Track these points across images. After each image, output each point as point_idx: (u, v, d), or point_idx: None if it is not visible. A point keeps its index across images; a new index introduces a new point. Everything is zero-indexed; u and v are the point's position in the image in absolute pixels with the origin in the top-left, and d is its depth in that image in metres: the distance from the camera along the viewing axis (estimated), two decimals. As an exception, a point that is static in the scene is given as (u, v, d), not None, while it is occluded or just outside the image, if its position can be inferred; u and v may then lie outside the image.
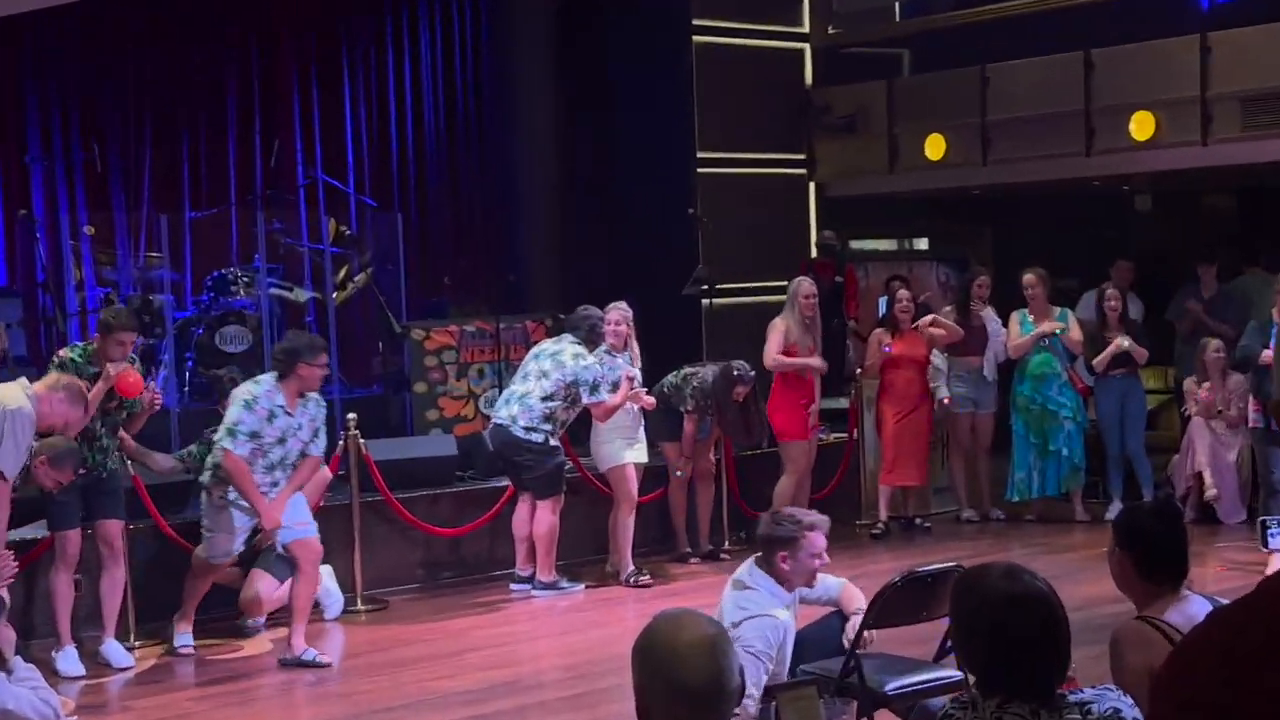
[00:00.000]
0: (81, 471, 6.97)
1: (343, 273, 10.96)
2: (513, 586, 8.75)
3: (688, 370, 9.34)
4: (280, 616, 7.78)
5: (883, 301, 11.27)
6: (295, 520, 7.28)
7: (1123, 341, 10.05)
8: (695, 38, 12.05)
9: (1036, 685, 2.73)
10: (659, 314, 10.43)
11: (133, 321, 7.32)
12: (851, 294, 12.11)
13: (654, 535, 9.62)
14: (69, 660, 7.11)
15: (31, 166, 10.31)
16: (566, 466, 8.84)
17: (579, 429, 8.99)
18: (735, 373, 9.05)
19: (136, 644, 7.56)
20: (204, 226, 10.80)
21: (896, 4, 13.12)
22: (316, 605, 7.85)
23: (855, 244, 13.49)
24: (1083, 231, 12.89)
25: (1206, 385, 10.01)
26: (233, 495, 7.26)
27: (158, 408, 7.64)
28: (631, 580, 8.76)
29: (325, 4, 11.59)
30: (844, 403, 10.62)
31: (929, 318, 10.21)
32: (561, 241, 11.84)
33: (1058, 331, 10.20)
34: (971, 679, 2.88)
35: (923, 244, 14.34)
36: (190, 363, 9.95)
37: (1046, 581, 2.81)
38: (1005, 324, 10.40)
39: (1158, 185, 12.58)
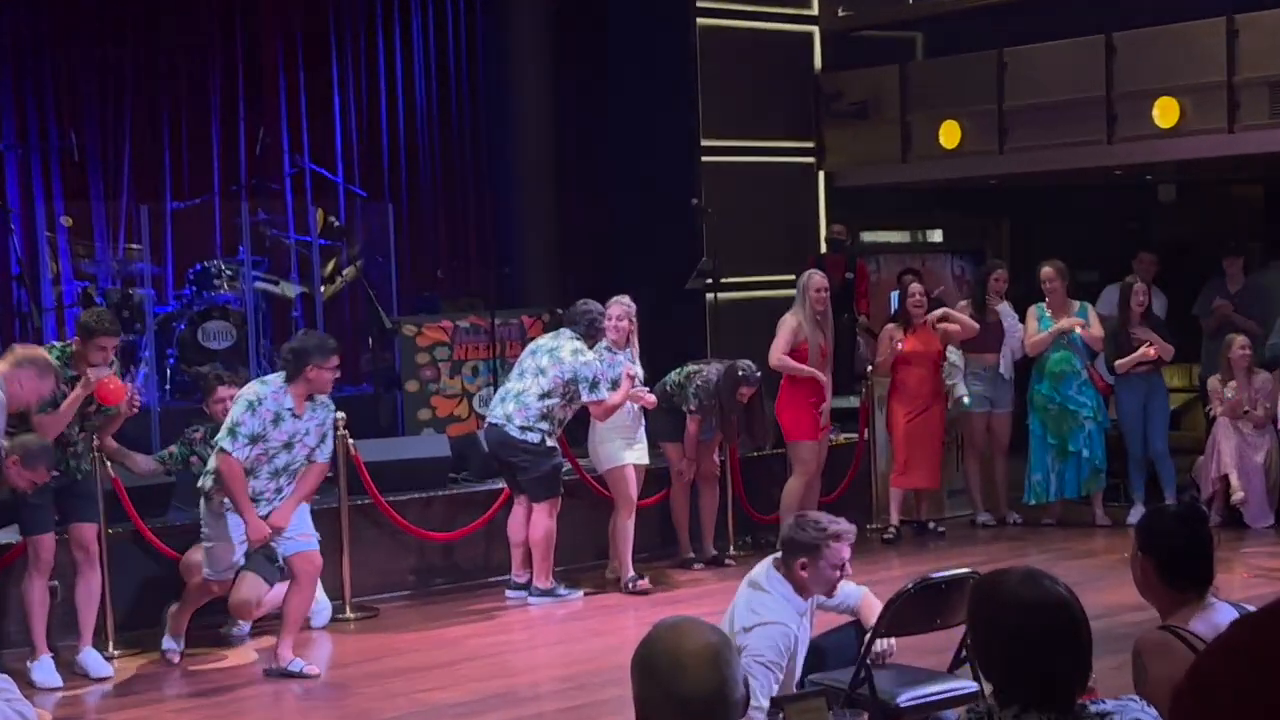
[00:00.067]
0: (55, 473, 6.96)
1: (331, 266, 10.95)
2: (508, 593, 8.75)
3: (691, 368, 9.33)
4: (264, 625, 7.77)
5: (894, 296, 11.26)
6: (298, 531, 7.23)
7: (1150, 350, 10.04)
8: (699, 20, 12.05)
9: (1056, 695, 2.73)
10: (661, 309, 10.43)
11: (115, 326, 7.28)
12: (862, 289, 12.11)
13: (656, 540, 9.61)
14: (45, 670, 7.11)
15: (5, 155, 10.30)
16: (564, 468, 8.83)
17: (576, 428, 8.98)
18: (740, 373, 9.04)
19: (116, 653, 7.56)
20: (186, 217, 10.79)
21: (909, -15, 13.13)
22: (303, 613, 7.84)
23: (866, 236, 13.49)
24: (1104, 223, 12.89)
25: (1232, 384, 10.00)
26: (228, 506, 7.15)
27: (135, 411, 7.60)
28: (629, 586, 8.76)
29: (312, -15, 11.59)
30: (854, 402, 10.61)
31: (939, 311, 10.20)
32: (559, 233, 11.83)
33: (1077, 329, 10.19)
34: (988, 689, 2.87)
35: (937, 236, 14.33)
36: (172, 360, 9.95)
37: (1067, 586, 2.81)
38: (1023, 319, 10.39)
39: (1182, 174, 12.58)
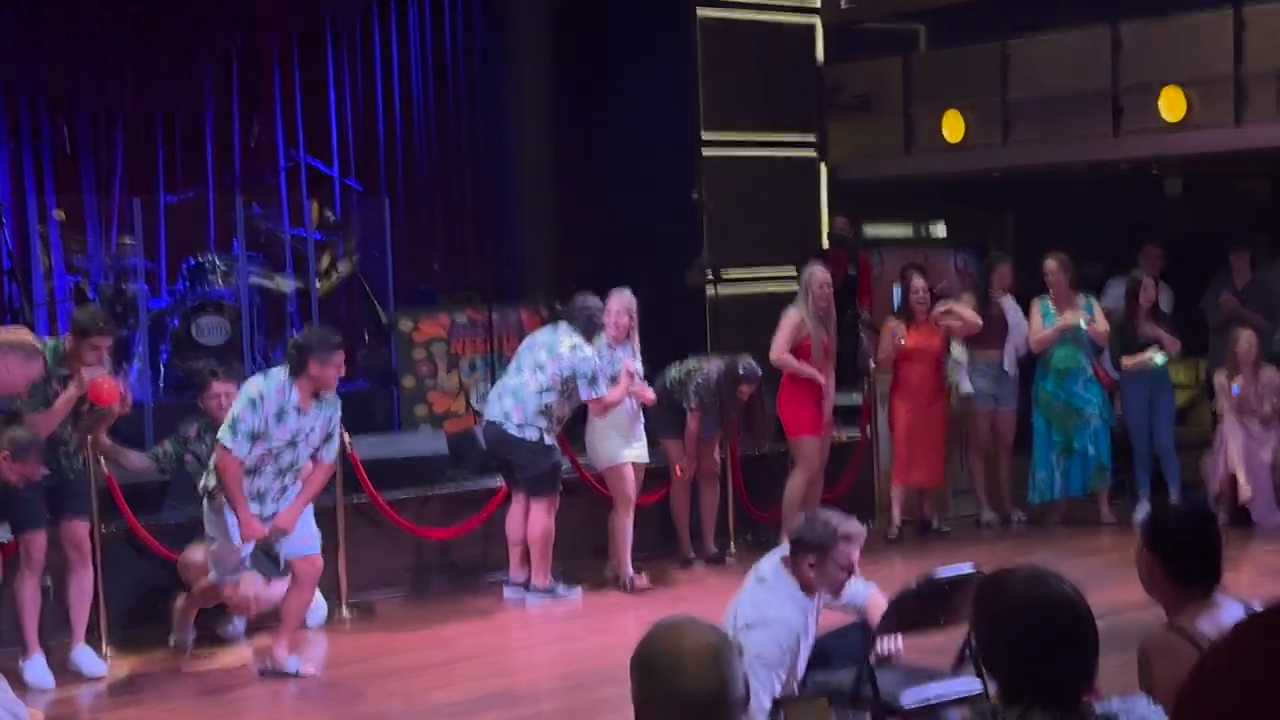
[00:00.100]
0: (46, 473, 6.95)
1: (326, 260, 10.95)
2: (506, 592, 8.75)
3: (691, 364, 9.33)
4: (259, 624, 7.77)
5: (897, 291, 11.26)
6: (301, 534, 7.20)
7: (1157, 359, 10.03)
8: (700, 11, 12.03)
9: (1061, 695, 2.73)
10: (660, 304, 10.41)
11: (110, 326, 7.27)
12: (865, 284, 12.11)
13: (656, 538, 9.61)
14: (37, 669, 7.11)
15: (-3, 147, 10.30)
16: (563, 465, 8.83)
17: (574, 425, 8.97)
18: (740, 371, 9.04)
19: (109, 652, 7.55)
20: (180, 211, 10.77)
21: (913, -24, 13.12)
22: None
23: (869, 230, 13.48)
24: (1109, 217, 12.87)
25: (1238, 379, 10.00)
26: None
27: (127, 410, 7.57)
28: (628, 584, 8.76)
29: (308, -25, 11.58)
30: (857, 398, 10.61)
31: (943, 306, 10.20)
32: (557, 226, 11.83)
33: (1082, 324, 10.18)
34: (992, 689, 2.87)
35: (940, 230, 14.33)
36: (165, 355, 9.95)
37: (1073, 585, 2.81)
38: (1027, 314, 10.38)
39: (1189, 168, 12.56)
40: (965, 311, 10.22)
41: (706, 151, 11.99)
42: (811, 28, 12.69)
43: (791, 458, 9.71)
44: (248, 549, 7.19)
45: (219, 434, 7.10)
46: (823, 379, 9.46)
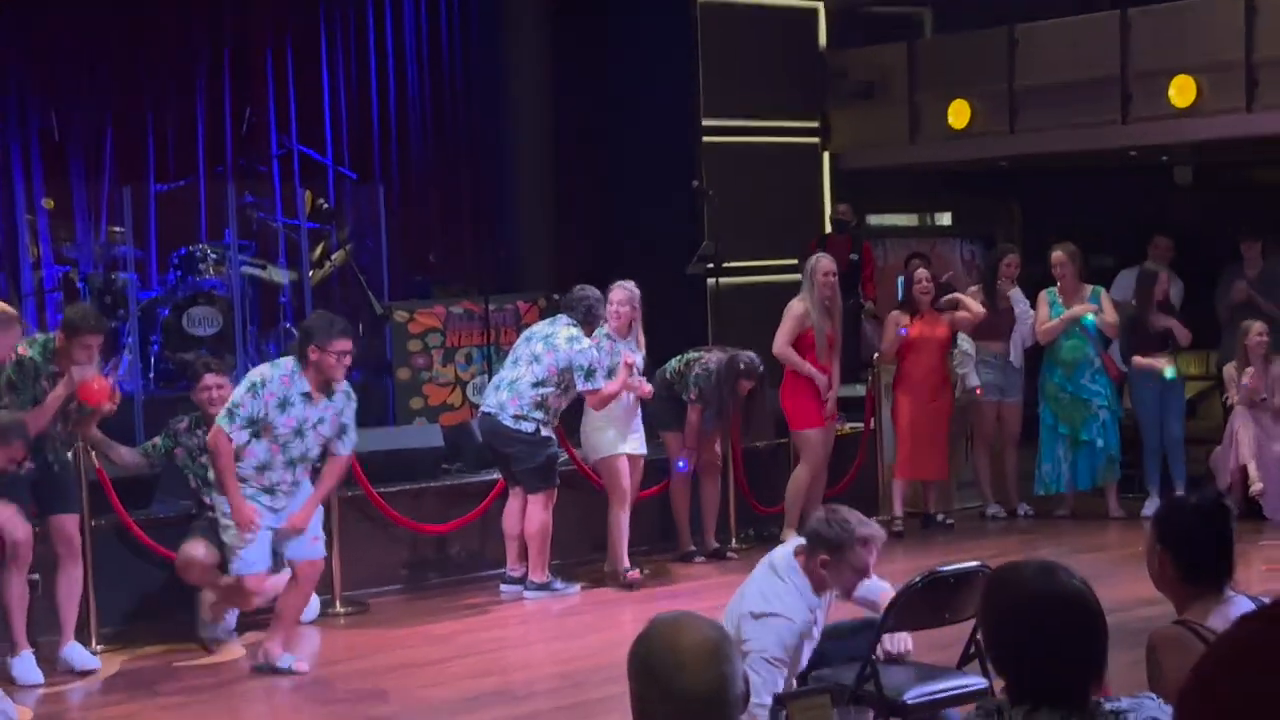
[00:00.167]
0: (30, 467, 6.93)
1: (319, 250, 10.94)
2: (503, 588, 8.74)
3: (692, 355, 9.32)
4: (252, 620, 7.77)
5: (901, 282, 11.25)
6: (310, 536, 7.15)
7: (1168, 371, 10.02)
8: (700, -5, 12.02)
9: (1070, 692, 2.72)
10: (661, 294, 10.40)
11: (101, 323, 7.25)
12: (868, 274, 12.09)
13: (655, 532, 9.61)
14: (25, 666, 7.09)
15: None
16: (561, 458, 8.82)
17: (570, 417, 8.96)
18: (741, 366, 9.03)
19: (98, 649, 7.55)
20: (170, 199, 10.77)
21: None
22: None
23: (873, 219, 13.47)
24: (1118, 206, 12.86)
25: (1249, 371, 9.99)
26: (248, 491, 7.01)
27: (114, 409, 7.52)
28: (621, 577, 8.75)
29: (300, -40, 11.55)
30: (860, 390, 10.60)
31: (950, 297, 10.19)
32: (555, 216, 11.81)
33: (1090, 315, 10.17)
34: (998, 686, 2.86)
35: (946, 219, 14.31)
36: (156, 346, 9.94)
37: (1084, 580, 2.80)
38: (1034, 305, 10.37)
39: (1199, 156, 12.55)
40: (970, 303, 10.21)
41: (707, 139, 11.98)
42: (814, 12, 12.67)
43: (794, 451, 9.70)
44: (267, 540, 7.05)
45: (217, 417, 7.09)
46: (824, 378, 9.46)
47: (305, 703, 6.96)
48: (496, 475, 8.92)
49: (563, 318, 8.66)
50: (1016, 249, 10.98)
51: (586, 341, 8.53)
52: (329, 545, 8.28)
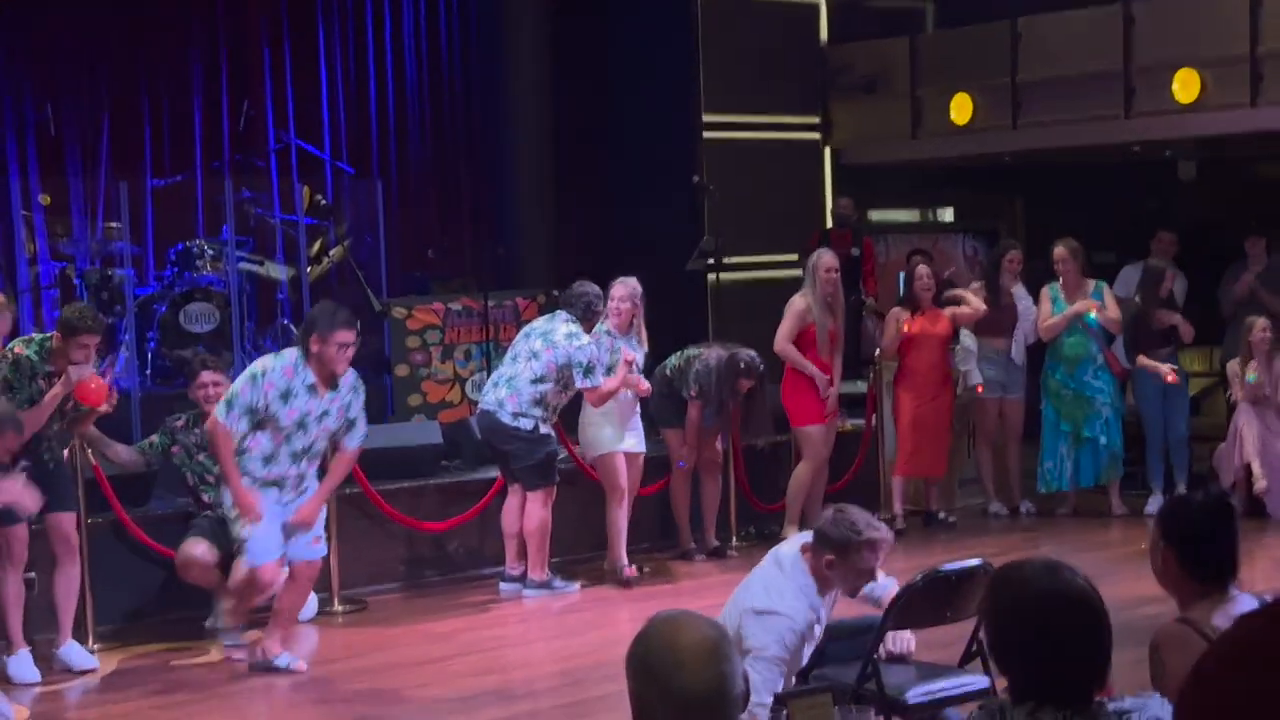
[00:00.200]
0: (25, 464, 6.92)
1: (317, 246, 10.93)
2: (502, 586, 8.74)
3: (691, 351, 9.31)
4: (251, 619, 7.76)
5: (902, 278, 11.25)
6: (312, 536, 7.13)
7: (1171, 376, 10.01)
8: (700, -11, 12.02)
9: (1073, 691, 2.72)
10: (661, 290, 10.39)
11: (99, 323, 7.22)
12: (870, 269, 12.09)
13: (656, 530, 9.61)
14: (22, 665, 7.09)
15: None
16: (560, 456, 8.81)
17: (567, 413, 8.95)
18: (741, 364, 9.01)
19: (95, 648, 7.55)
20: (167, 195, 10.77)
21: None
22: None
23: (874, 215, 13.46)
24: (1122, 201, 12.86)
25: (1253, 367, 9.98)
26: (248, 483, 6.98)
27: (111, 409, 7.51)
28: (618, 574, 8.74)
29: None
30: (861, 387, 10.60)
31: (953, 293, 10.18)
32: (555, 211, 11.81)
33: (1093, 311, 10.17)
34: (1000, 685, 2.86)
35: (948, 215, 14.31)
36: (152, 343, 9.93)
37: (1087, 578, 2.80)
38: (1036, 301, 10.37)
39: (1203, 151, 12.54)
40: (972, 299, 10.21)
41: (708, 134, 11.98)
42: (815, 7, 12.67)
43: (796, 448, 9.69)
44: (279, 527, 7.00)
45: (216, 407, 7.08)
46: (824, 376, 9.45)
47: (303, 701, 6.96)
48: (495, 473, 8.92)
49: (562, 314, 8.65)
50: (1019, 245, 10.97)
51: (586, 338, 8.52)
52: (328, 543, 8.31)
